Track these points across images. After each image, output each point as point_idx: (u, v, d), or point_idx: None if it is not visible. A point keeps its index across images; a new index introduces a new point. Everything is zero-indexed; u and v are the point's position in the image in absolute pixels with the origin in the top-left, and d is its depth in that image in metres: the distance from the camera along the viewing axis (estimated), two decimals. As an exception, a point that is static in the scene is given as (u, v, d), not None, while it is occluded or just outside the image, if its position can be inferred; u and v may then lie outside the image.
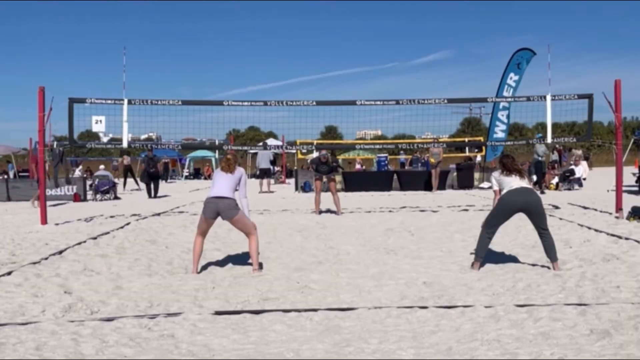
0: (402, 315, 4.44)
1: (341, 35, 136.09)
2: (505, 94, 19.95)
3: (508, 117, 20.80)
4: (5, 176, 23.32)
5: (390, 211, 12.10)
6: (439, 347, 3.67)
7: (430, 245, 7.77)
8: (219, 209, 5.99)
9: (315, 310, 4.58)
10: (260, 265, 6.30)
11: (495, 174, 6.23)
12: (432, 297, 5.03)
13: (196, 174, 37.67)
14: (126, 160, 23.09)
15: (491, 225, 6.13)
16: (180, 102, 11.08)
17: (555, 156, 22.34)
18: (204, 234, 6.26)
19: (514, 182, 5.96)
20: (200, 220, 6.19)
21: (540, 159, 16.69)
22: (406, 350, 3.60)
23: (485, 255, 6.18)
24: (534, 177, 16.64)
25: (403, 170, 24.18)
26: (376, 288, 5.40)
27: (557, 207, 11.64)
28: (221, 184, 6.08)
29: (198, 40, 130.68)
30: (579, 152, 22.94)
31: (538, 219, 5.98)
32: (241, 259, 7.02)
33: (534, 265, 6.25)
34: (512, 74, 20.33)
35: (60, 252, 7.04)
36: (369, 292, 5.27)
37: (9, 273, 5.84)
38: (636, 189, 15.86)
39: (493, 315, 4.30)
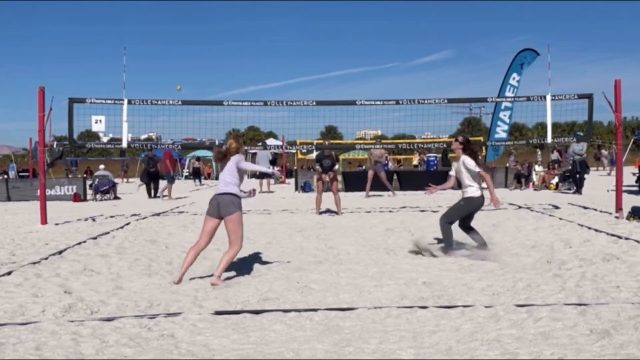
0: (402, 315, 4.44)
1: (342, 36, 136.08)
2: (508, 94, 19.92)
3: (510, 117, 20.81)
4: (6, 176, 23.34)
5: (390, 211, 12.10)
6: (439, 347, 3.67)
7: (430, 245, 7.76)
8: (219, 204, 5.68)
9: (315, 310, 4.58)
10: (219, 277, 5.63)
11: (472, 165, 6.73)
12: (432, 297, 5.03)
13: (196, 174, 37.52)
14: (196, 163, 25.34)
15: (453, 220, 6.89)
16: (180, 102, 11.09)
17: (555, 156, 22.34)
18: (205, 241, 5.81)
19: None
20: (204, 220, 5.86)
21: (573, 157, 16.16)
22: (406, 350, 3.60)
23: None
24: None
25: (403, 170, 24.15)
26: (376, 288, 5.40)
27: (557, 207, 11.64)
28: (221, 179, 5.81)
29: (199, 42, 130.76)
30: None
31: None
32: (241, 259, 7.02)
33: (534, 265, 6.25)
34: (514, 74, 20.33)
35: (60, 252, 7.04)
36: (369, 292, 5.26)
37: (9, 273, 5.84)
38: (636, 189, 15.85)
39: (493, 315, 4.30)
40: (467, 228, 6.96)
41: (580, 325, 3.92)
